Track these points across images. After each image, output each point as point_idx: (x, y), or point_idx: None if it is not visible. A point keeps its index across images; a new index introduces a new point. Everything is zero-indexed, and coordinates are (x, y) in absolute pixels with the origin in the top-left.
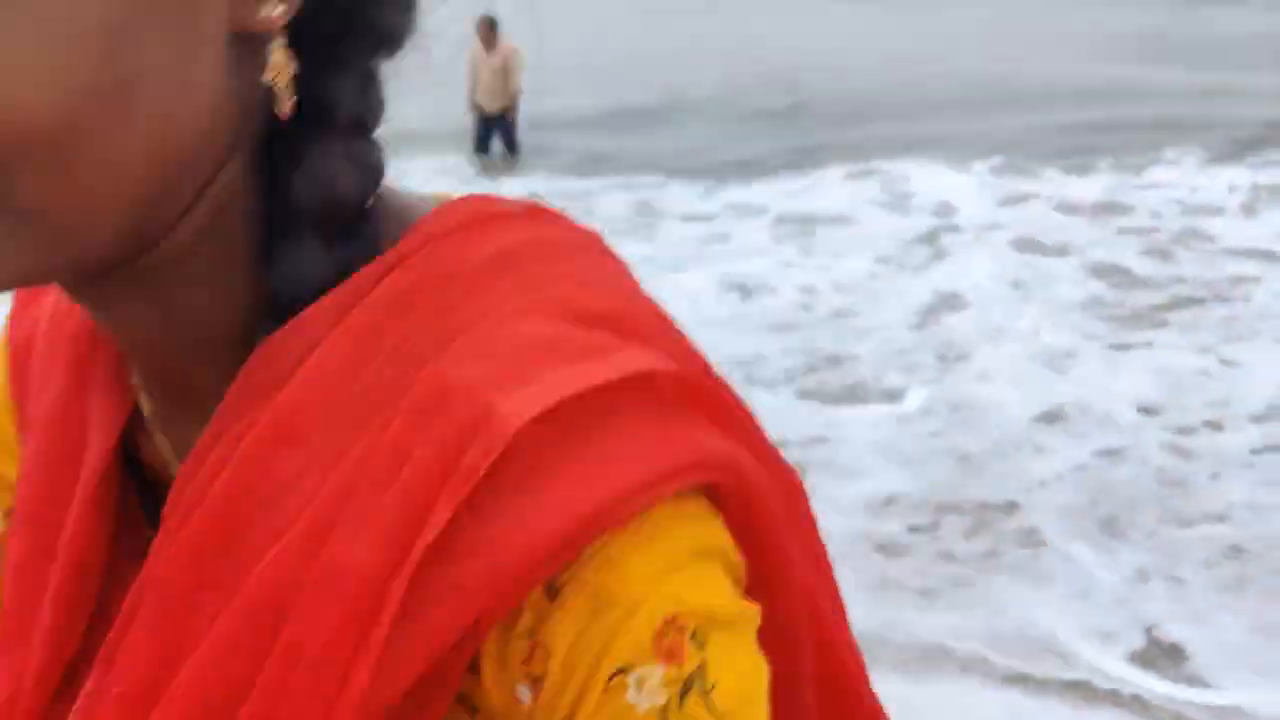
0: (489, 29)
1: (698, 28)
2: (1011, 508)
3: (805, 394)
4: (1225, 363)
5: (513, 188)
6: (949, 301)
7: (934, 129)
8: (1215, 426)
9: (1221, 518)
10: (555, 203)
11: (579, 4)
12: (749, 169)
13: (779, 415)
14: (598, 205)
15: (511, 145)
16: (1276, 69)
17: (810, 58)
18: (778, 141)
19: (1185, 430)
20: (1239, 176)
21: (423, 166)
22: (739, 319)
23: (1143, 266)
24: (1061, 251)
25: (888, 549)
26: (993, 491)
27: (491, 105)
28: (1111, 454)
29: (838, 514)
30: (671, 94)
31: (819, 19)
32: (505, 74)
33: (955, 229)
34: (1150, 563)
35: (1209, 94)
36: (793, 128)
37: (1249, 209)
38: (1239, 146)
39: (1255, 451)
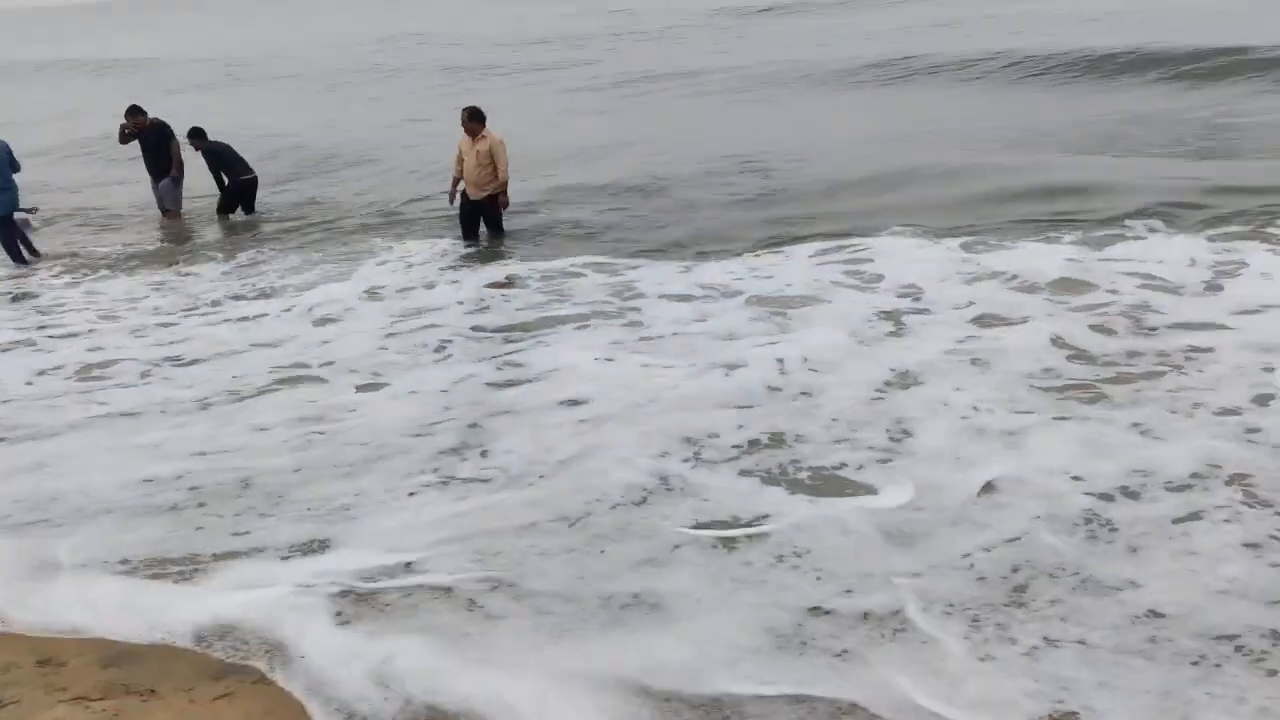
0: (472, 118)
1: (678, 120)
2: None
3: (745, 472)
4: (1154, 436)
5: (499, 270)
6: (905, 378)
7: (901, 206)
8: (1133, 495)
9: (1136, 584)
10: (536, 283)
11: (559, 96)
12: (724, 249)
13: (721, 493)
14: (577, 285)
15: (496, 229)
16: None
17: (783, 144)
18: (752, 222)
19: (1106, 497)
20: (1196, 250)
21: (426, 247)
22: (703, 396)
23: (1094, 341)
24: (1019, 326)
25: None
26: (915, 561)
27: (477, 192)
28: (1038, 522)
29: (781, 589)
30: (651, 179)
31: (791, 111)
32: (490, 161)
33: (918, 305)
34: (1061, 631)
35: (1170, 177)
36: (765, 209)
37: (1205, 283)
38: (1197, 223)
39: (1176, 521)
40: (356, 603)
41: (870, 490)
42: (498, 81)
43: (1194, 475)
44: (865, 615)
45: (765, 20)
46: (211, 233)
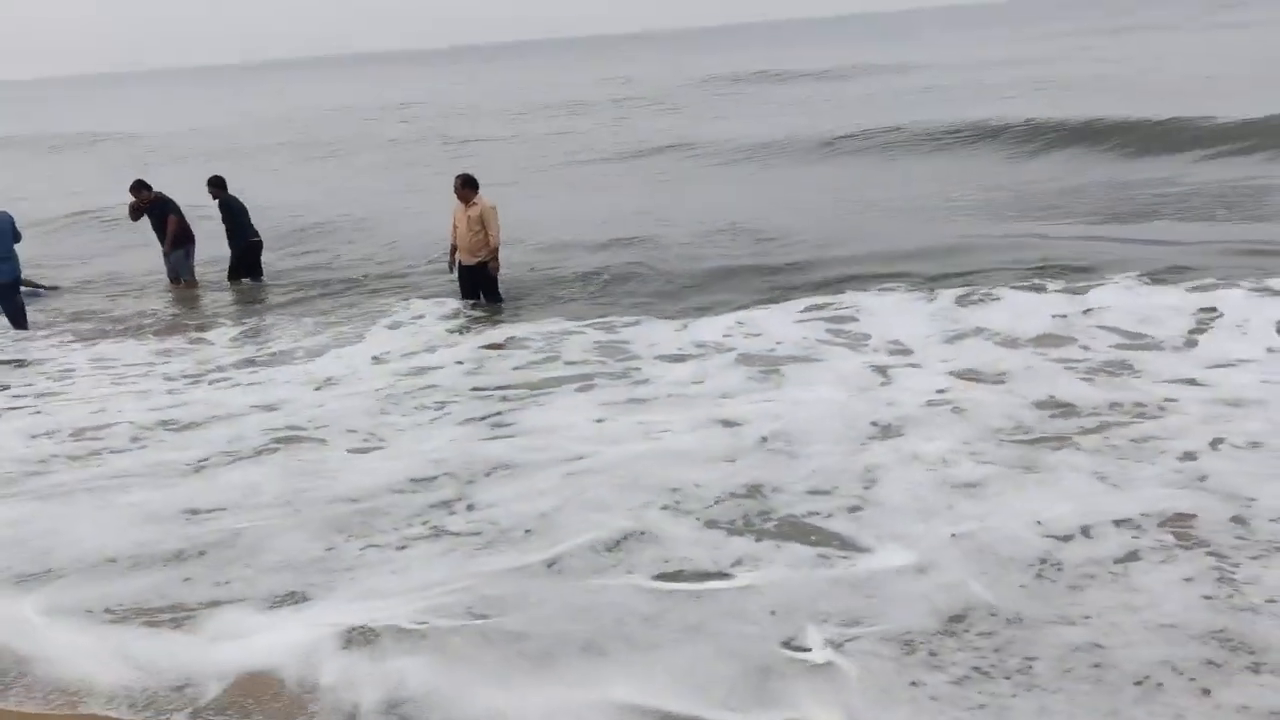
0: (465, 185)
1: (672, 187)
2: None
3: (711, 524)
4: (1114, 484)
5: (498, 332)
6: (884, 431)
7: (886, 269)
8: (1088, 536)
9: (1080, 621)
10: (537, 343)
11: (557, 164)
12: (717, 306)
13: (682, 544)
14: (573, 345)
15: (491, 294)
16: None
17: (771, 209)
18: (743, 281)
19: (1065, 538)
20: (1175, 302)
21: (429, 309)
22: (690, 451)
23: (1070, 393)
24: (997, 381)
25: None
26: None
27: (469, 258)
28: (989, 565)
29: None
30: (646, 242)
31: (779, 178)
32: (482, 227)
33: (902, 361)
34: (998, 660)
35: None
36: (756, 269)
37: (1183, 337)
38: (1174, 273)
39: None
40: (355, 641)
41: (835, 540)
42: (495, 149)
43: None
44: (810, 664)
45: (754, 87)
46: (222, 299)
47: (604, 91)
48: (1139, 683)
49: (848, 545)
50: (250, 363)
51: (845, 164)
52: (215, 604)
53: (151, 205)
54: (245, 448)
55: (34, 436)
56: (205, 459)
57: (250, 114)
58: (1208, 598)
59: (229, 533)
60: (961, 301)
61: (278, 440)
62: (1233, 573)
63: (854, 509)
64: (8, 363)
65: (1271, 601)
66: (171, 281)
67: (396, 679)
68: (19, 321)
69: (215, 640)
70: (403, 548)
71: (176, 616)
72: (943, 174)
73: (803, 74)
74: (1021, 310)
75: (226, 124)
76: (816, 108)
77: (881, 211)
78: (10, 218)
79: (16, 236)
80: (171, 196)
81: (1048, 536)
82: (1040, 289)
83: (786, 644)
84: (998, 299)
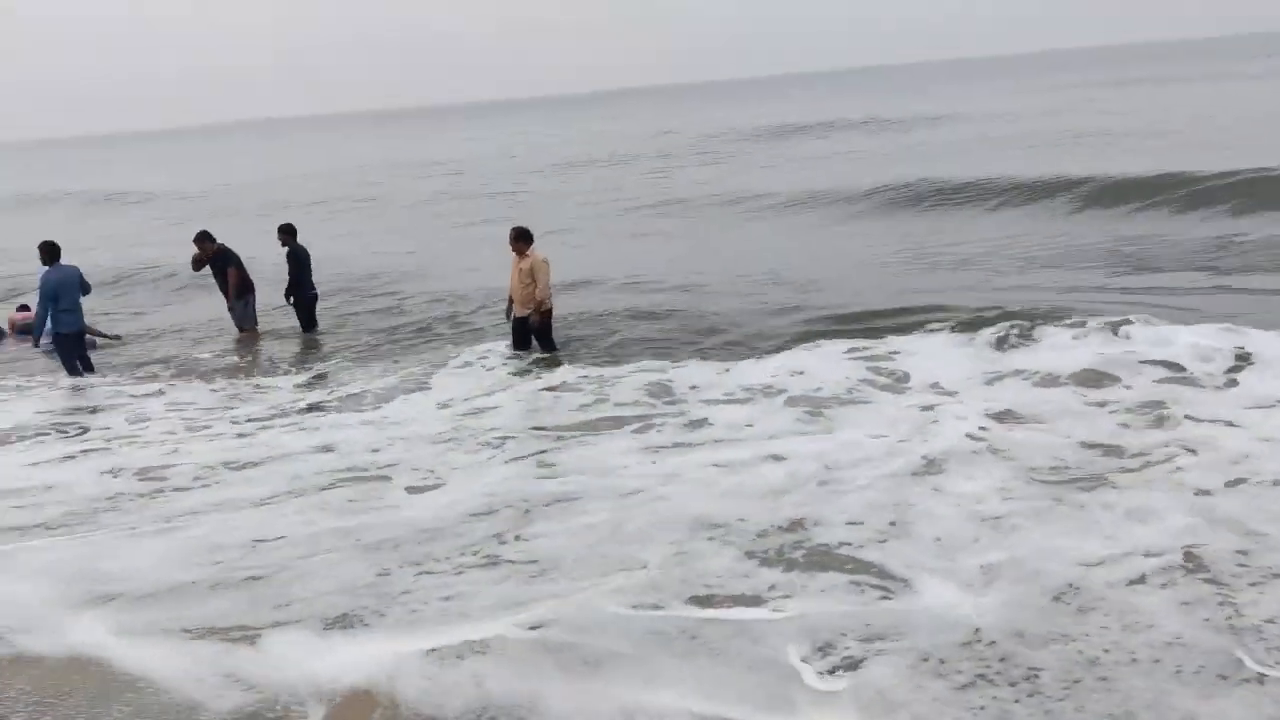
0: (518, 238)
1: (716, 238)
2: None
3: (750, 554)
4: (1138, 518)
5: (552, 375)
6: (925, 468)
7: (925, 315)
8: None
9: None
10: (589, 386)
11: (606, 217)
12: (762, 352)
13: (723, 571)
14: (625, 386)
15: (545, 343)
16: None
17: (814, 261)
18: (785, 325)
19: (1088, 564)
20: (1212, 343)
21: (488, 355)
22: (739, 488)
23: (1104, 433)
24: (1036, 421)
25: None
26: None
27: (520, 309)
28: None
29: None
30: (691, 290)
31: (819, 232)
32: (533, 280)
33: (943, 402)
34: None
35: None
36: (799, 315)
37: (1221, 375)
38: (1204, 318)
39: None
40: (437, 656)
41: (869, 568)
42: (545, 200)
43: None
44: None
45: (796, 141)
46: (289, 345)
47: (653, 145)
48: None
49: (882, 574)
50: (317, 407)
51: (882, 215)
52: (283, 624)
53: (214, 257)
54: (309, 485)
55: (113, 475)
56: (272, 495)
57: (312, 167)
58: (1206, 620)
59: (295, 560)
60: (1000, 344)
61: (342, 480)
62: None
63: (886, 541)
64: (84, 409)
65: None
66: (238, 329)
67: (478, 687)
68: (79, 370)
69: (297, 659)
70: (459, 573)
71: (249, 635)
72: (979, 226)
73: (844, 124)
74: (1060, 349)
75: (285, 176)
76: (851, 160)
77: (920, 260)
78: (78, 271)
79: (85, 289)
80: (232, 248)
81: (1072, 566)
82: (1081, 332)
83: (809, 659)
84: (1036, 340)
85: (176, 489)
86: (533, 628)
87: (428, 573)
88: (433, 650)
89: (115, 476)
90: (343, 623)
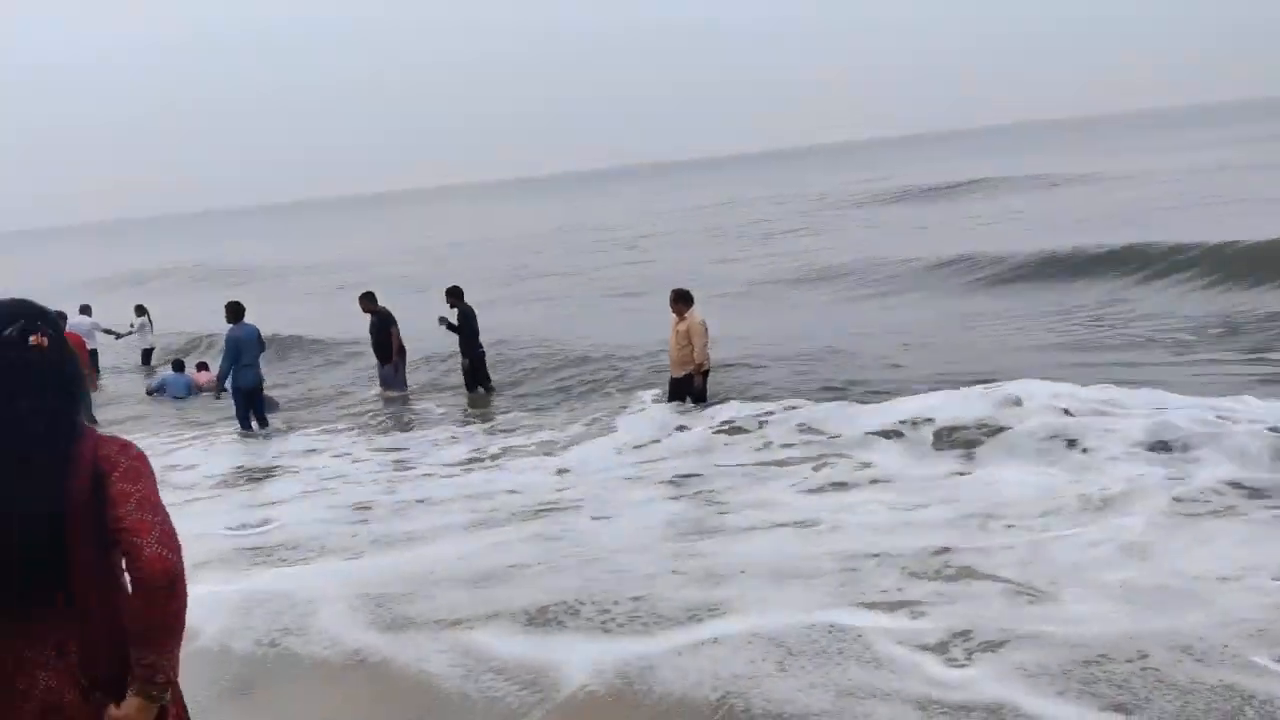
0: (677, 300)
1: (829, 311)
2: None
3: (917, 576)
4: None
5: (713, 420)
6: (1086, 503)
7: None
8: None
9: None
10: (752, 429)
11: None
12: (904, 394)
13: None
14: (780, 429)
15: (697, 400)
16: None
17: (949, 328)
18: (928, 376)
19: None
20: None
21: (653, 399)
22: (896, 521)
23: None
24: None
25: None
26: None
27: (677, 370)
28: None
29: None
30: (825, 352)
31: (955, 300)
32: (689, 342)
33: (1081, 436)
34: None
35: None
36: (934, 367)
37: None
38: None
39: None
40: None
41: (1010, 584)
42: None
43: None
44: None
45: (899, 209)
46: (459, 401)
47: (749, 215)
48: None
49: (1022, 590)
50: (505, 452)
51: (1016, 285)
52: (513, 620)
53: (374, 318)
54: (507, 516)
55: (347, 508)
56: (480, 523)
57: (452, 236)
58: None
59: (504, 568)
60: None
61: (532, 512)
62: None
63: (1029, 563)
64: (291, 452)
65: None
66: (384, 390)
67: (714, 675)
68: (250, 423)
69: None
70: (651, 581)
71: (500, 627)
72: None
73: (962, 187)
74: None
75: (428, 246)
76: (974, 229)
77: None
78: (257, 330)
79: (262, 346)
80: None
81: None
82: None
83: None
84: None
85: (379, 520)
86: (725, 630)
87: (632, 580)
88: (671, 645)
89: (333, 509)
90: (563, 621)
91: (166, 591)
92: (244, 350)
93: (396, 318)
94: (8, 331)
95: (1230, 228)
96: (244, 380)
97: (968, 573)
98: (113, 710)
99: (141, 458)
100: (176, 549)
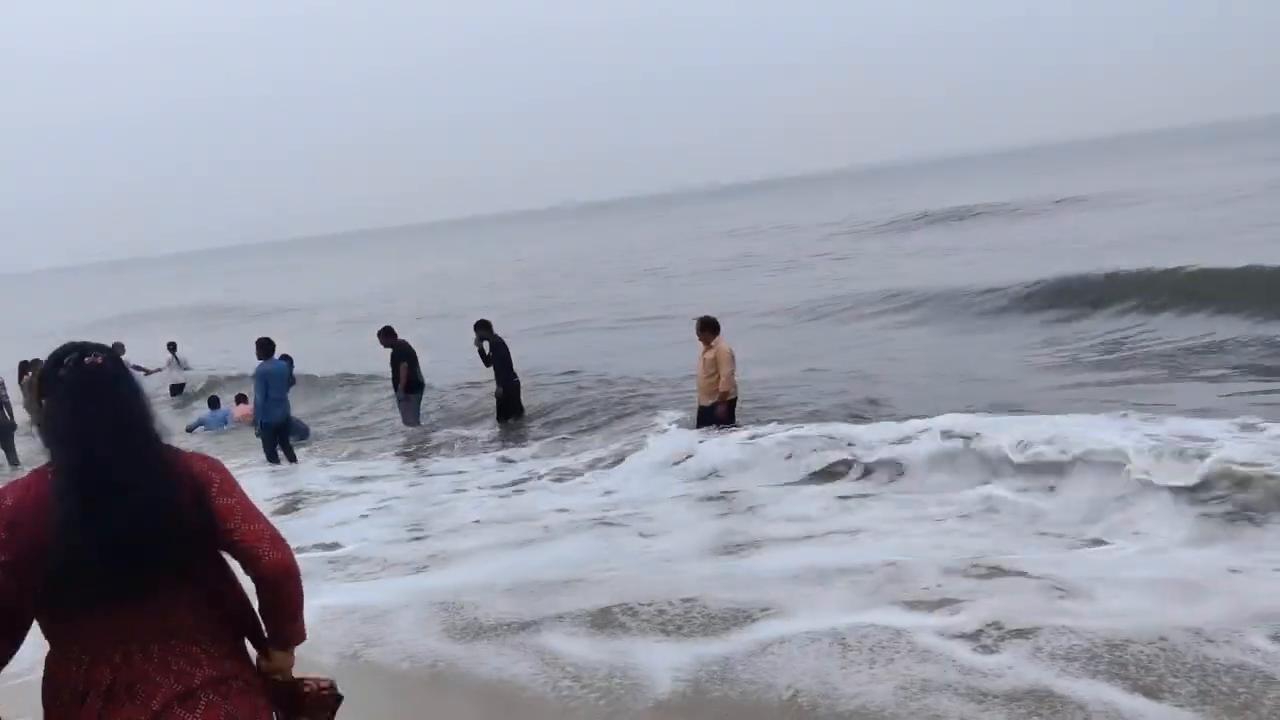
0: (703, 328)
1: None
2: None
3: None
4: None
5: (740, 441)
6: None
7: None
8: None
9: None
10: (784, 447)
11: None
12: (926, 414)
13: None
14: (806, 446)
15: (724, 424)
16: None
17: (979, 359)
18: (950, 400)
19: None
20: None
21: (683, 423)
22: (934, 529)
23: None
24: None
25: None
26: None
27: (704, 398)
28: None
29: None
30: (847, 377)
31: (986, 331)
32: (716, 370)
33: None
34: None
35: None
36: (958, 389)
37: None
38: None
39: None
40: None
41: (1042, 578)
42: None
43: None
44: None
45: (922, 234)
46: (492, 431)
47: (774, 243)
48: None
49: (1057, 586)
50: (551, 472)
51: (1032, 311)
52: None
53: (393, 351)
54: (561, 531)
55: (403, 528)
56: (530, 539)
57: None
58: None
59: (560, 581)
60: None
61: (586, 526)
62: None
63: (1062, 564)
64: (349, 478)
65: None
66: (404, 423)
67: (795, 676)
68: (277, 457)
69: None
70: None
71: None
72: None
73: (988, 211)
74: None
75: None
76: (998, 257)
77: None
78: (286, 365)
79: (292, 381)
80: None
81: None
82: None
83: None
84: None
85: (438, 537)
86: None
87: (685, 583)
88: (740, 647)
89: (391, 529)
90: (624, 623)
91: (291, 582)
92: (272, 385)
93: (416, 351)
94: (66, 360)
95: None
96: (272, 415)
97: (999, 572)
98: (263, 663)
99: (227, 470)
100: (286, 546)
